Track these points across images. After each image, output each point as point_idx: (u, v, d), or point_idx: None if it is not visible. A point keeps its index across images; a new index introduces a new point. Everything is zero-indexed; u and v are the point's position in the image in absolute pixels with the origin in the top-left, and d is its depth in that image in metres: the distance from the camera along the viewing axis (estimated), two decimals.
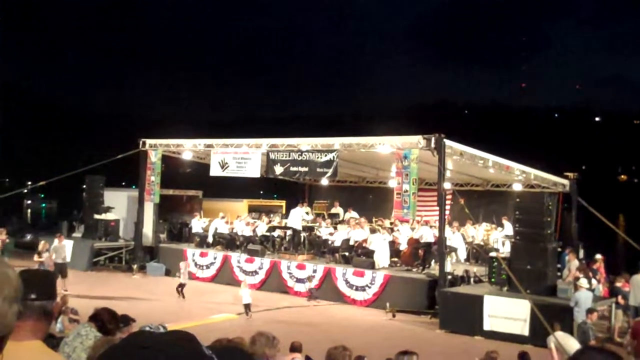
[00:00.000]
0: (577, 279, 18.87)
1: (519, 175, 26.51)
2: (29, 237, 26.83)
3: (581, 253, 26.40)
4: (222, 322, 18.92)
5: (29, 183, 48.39)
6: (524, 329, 17.61)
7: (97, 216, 29.91)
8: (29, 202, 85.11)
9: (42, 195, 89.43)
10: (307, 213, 28.72)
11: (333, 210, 31.67)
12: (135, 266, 27.75)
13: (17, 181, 59.59)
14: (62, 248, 23.02)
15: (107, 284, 24.23)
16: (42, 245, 23.00)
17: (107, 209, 30.26)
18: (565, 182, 29.27)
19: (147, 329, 4.91)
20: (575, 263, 22.39)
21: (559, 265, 21.42)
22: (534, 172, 26.84)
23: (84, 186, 30.87)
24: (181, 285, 22.82)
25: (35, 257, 22.17)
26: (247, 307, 20.01)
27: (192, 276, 26.90)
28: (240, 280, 23.16)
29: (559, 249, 22.55)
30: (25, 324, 2.72)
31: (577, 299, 16.47)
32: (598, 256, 24.39)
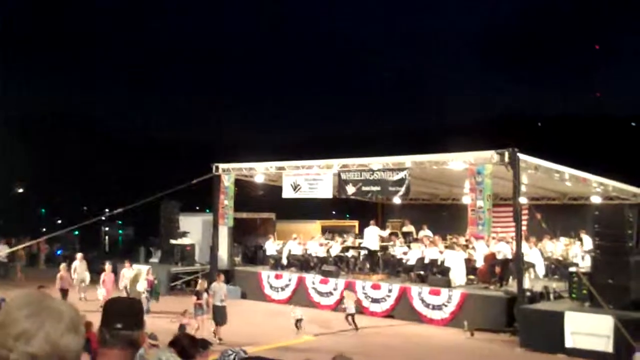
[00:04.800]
0: None
1: (597, 188, 25.86)
2: (107, 264, 27.06)
3: None
4: (300, 344, 18.91)
5: (107, 210, 49.52)
6: (607, 346, 17.08)
7: (173, 241, 30.45)
8: (107, 229, 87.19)
9: (120, 222, 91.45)
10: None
11: (405, 229, 31.39)
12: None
13: (95, 209, 61.21)
14: (221, 289, 20.01)
15: (184, 308, 24.47)
16: (200, 284, 20.78)
17: (183, 234, 30.78)
18: None
19: (229, 352, 4.96)
20: None
21: None
22: (612, 183, 26.17)
23: (160, 212, 31.44)
24: (350, 316, 21.22)
25: (194, 299, 19.78)
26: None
27: (267, 298, 27.11)
28: (316, 302, 23.18)
29: None
30: (112, 352, 2.78)
31: None
32: None
